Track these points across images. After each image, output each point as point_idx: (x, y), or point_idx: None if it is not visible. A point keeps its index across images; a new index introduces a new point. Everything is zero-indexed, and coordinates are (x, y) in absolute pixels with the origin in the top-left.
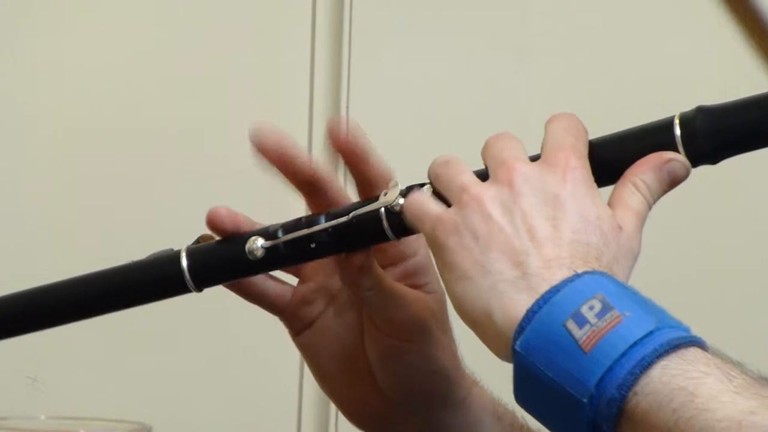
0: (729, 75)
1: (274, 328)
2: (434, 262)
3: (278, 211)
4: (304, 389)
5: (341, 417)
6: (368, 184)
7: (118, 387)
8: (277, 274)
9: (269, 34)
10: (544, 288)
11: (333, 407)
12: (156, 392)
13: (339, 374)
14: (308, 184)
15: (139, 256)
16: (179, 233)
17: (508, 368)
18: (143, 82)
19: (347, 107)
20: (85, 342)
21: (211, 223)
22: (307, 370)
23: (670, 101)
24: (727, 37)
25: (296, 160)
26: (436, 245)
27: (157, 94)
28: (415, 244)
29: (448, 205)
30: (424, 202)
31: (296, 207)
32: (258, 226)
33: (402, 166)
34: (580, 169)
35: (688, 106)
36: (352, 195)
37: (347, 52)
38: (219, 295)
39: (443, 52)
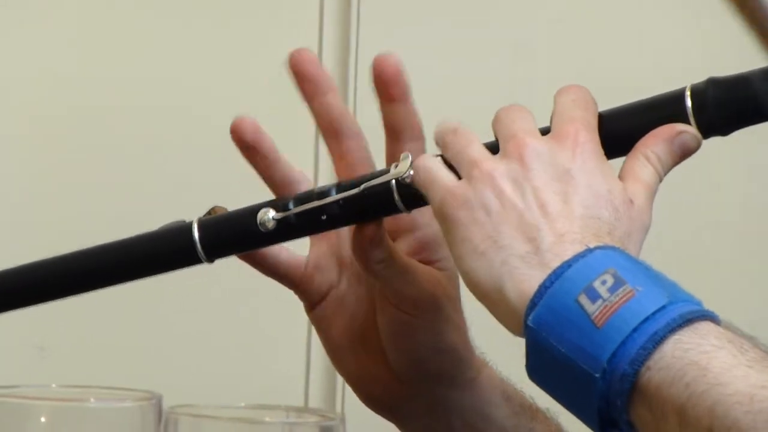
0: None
1: (282, 294)
2: (444, 237)
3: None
4: (312, 360)
5: (348, 389)
6: (397, 132)
7: (126, 356)
8: (290, 245)
9: (277, 26)
10: (556, 263)
11: (340, 379)
12: (164, 362)
13: (350, 349)
14: (329, 124)
15: (150, 229)
16: (191, 206)
17: (517, 351)
18: (146, 60)
19: (354, 100)
20: (92, 311)
21: (234, 132)
22: (314, 341)
23: None
24: (730, 36)
25: (327, 94)
26: (446, 219)
27: (163, 75)
28: (428, 214)
29: (458, 175)
30: (435, 169)
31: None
32: (279, 156)
33: None
34: (590, 143)
35: None
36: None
37: (354, 51)
38: (228, 266)
39: (453, 49)
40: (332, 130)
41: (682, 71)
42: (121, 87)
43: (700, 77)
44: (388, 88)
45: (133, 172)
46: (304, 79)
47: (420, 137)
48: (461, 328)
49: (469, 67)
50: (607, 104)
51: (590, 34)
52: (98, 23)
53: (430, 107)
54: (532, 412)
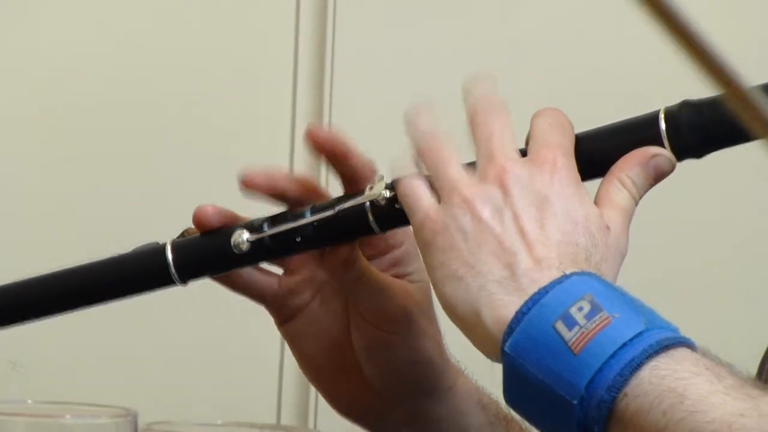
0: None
1: (255, 311)
2: (422, 259)
3: (264, 206)
4: (285, 372)
5: (321, 401)
6: (352, 179)
7: (101, 372)
8: (263, 264)
9: (252, 33)
10: (533, 289)
11: (314, 391)
12: (138, 378)
13: (325, 364)
14: (294, 198)
15: (122, 250)
16: (164, 227)
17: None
18: (125, 73)
19: (330, 113)
20: (67, 327)
21: (198, 222)
22: (287, 353)
23: (665, 99)
24: (730, 37)
25: (279, 183)
26: (424, 243)
27: (140, 90)
28: (401, 234)
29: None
30: (416, 189)
31: None
32: (244, 220)
33: (388, 166)
34: (566, 169)
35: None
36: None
37: (330, 53)
38: (200, 282)
39: (430, 51)
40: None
41: (679, 71)
42: (109, 81)
43: (692, 74)
44: (326, 152)
45: (130, 168)
46: (259, 189)
47: (372, 172)
48: (436, 339)
49: (452, 64)
50: (605, 103)
51: (587, 33)
52: (98, 16)
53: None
54: (506, 421)
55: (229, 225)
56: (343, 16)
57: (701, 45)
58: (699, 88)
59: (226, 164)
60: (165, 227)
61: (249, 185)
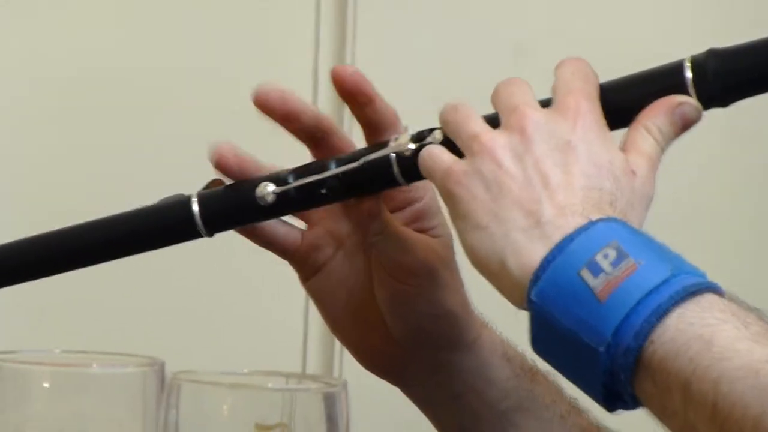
0: None
1: (280, 261)
2: (447, 211)
3: (284, 155)
4: (310, 321)
5: (346, 354)
6: (375, 127)
7: (127, 321)
8: (287, 218)
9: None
10: (558, 236)
11: (338, 344)
12: (164, 327)
13: (349, 319)
14: (313, 137)
15: (149, 202)
16: (187, 178)
17: (521, 316)
18: (144, 26)
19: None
20: (93, 276)
21: (217, 164)
22: (311, 307)
23: None
24: (735, 38)
25: (301, 116)
26: (447, 196)
27: (159, 38)
28: (423, 188)
29: (460, 153)
30: (435, 153)
31: (302, 151)
32: (263, 167)
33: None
34: (591, 114)
35: None
36: (358, 142)
37: (351, 30)
38: (225, 234)
39: (444, 45)
40: (316, 142)
41: None
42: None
43: None
44: (354, 97)
45: (142, 134)
46: (273, 111)
47: (397, 122)
48: (459, 291)
49: (467, 65)
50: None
51: (590, 33)
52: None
53: (428, 103)
54: (532, 374)
55: (247, 170)
56: (363, 12)
57: None
58: None
59: (248, 113)
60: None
61: (262, 104)
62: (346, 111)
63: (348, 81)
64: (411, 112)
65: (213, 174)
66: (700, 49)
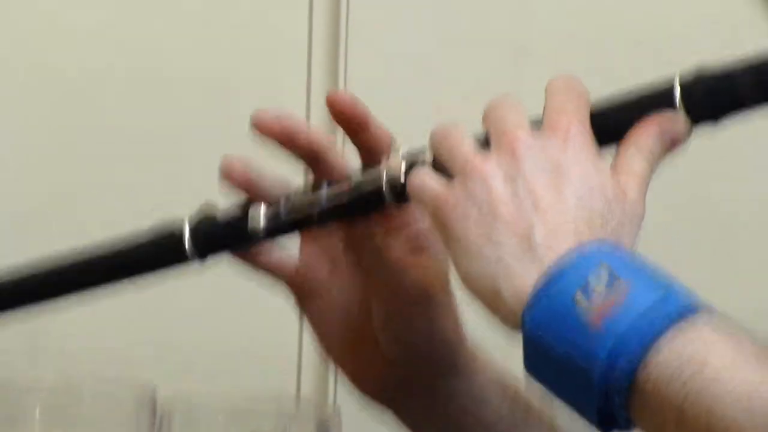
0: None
1: (273, 285)
2: (441, 239)
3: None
4: (304, 344)
5: (340, 376)
6: (370, 150)
7: (119, 346)
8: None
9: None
10: (550, 259)
11: (332, 366)
12: (155, 352)
13: (344, 341)
14: (309, 157)
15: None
16: (180, 204)
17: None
18: (132, 31)
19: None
20: (86, 299)
21: (223, 172)
22: (306, 327)
23: None
24: (734, 43)
25: (297, 136)
26: (439, 221)
27: (148, 42)
28: (419, 210)
29: (451, 176)
30: (425, 179)
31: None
32: (270, 183)
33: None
34: (581, 135)
35: None
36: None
37: (344, 34)
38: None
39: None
40: (311, 162)
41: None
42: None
43: None
44: (349, 122)
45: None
46: (270, 133)
47: (390, 144)
48: (453, 315)
49: (467, 66)
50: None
51: (590, 33)
52: None
53: (425, 107)
54: (527, 399)
55: (251, 185)
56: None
57: None
58: None
59: (237, 132)
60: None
61: (261, 128)
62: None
63: (342, 107)
64: (406, 118)
65: (192, 176)
66: (700, 48)
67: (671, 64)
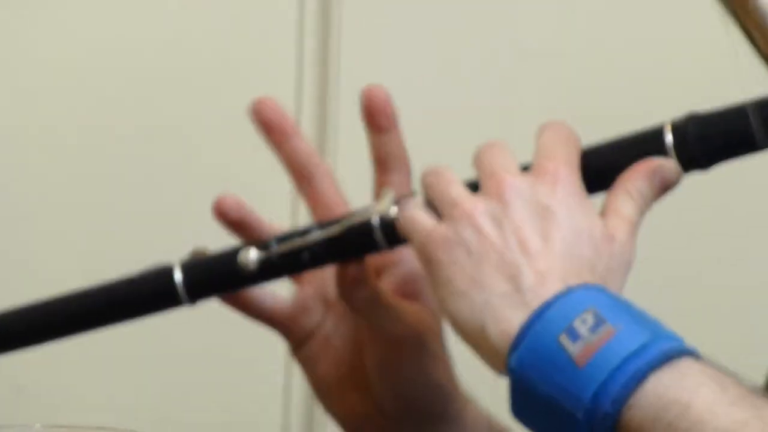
0: (728, 75)
1: (259, 327)
2: (428, 279)
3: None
4: (292, 388)
5: (328, 420)
6: (385, 161)
7: (105, 393)
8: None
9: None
10: (537, 303)
11: (319, 410)
12: (142, 395)
13: (337, 387)
14: (299, 169)
15: (131, 271)
16: (172, 247)
17: (498, 383)
18: (124, 28)
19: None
20: (71, 348)
21: (217, 211)
22: (294, 371)
23: (670, 104)
24: (728, 40)
25: (293, 139)
26: (427, 261)
27: (140, 39)
28: (411, 250)
29: (440, 216)
30: (416, 218)
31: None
32: (264, 221)
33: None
34: (570, 179)
35: (688, 107)
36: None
37: (336, 48)
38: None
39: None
40: (303, 175)
41: (684, 74)
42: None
43: (704, 78)
44: (378, 119)
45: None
46: (269, 128)
47: (406, 167)
48: (446, 363)
49: (466, 67)
50: (610, 109)
51: (590, 34)
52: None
53: (421, 114)
54: None
55: (245, 222)
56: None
57: None
58: (706, 94)
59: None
60: (172, 244)
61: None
62: (330, 126)
63: (376, 101)
64: (403, 117)
65: (186, 175)
66: (700, 48)
67: (662, 108)
